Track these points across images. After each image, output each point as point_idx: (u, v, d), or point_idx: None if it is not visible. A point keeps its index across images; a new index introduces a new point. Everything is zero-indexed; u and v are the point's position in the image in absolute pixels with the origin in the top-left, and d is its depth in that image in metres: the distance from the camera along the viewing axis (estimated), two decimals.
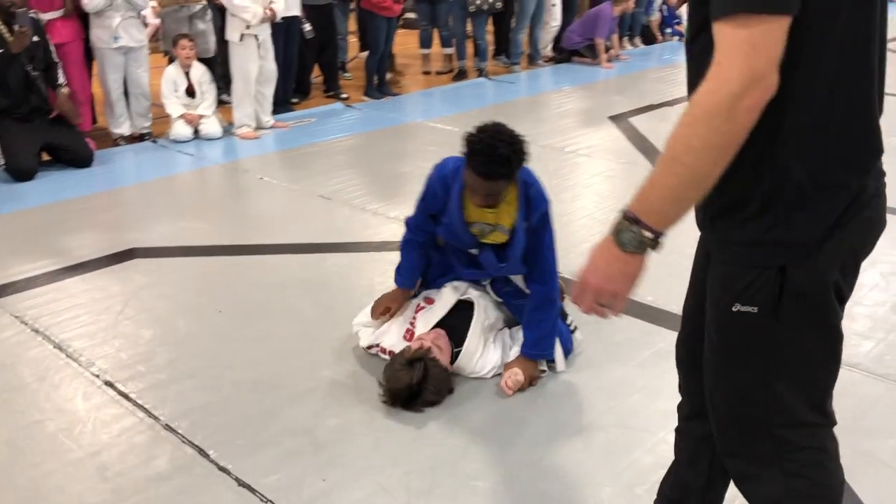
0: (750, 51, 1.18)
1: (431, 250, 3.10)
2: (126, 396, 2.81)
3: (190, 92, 6.07)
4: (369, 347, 3.01)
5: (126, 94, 5.95)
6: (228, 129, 6.23)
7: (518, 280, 3.01)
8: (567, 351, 2.99)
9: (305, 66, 7.39)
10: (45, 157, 5.42)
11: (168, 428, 2.63)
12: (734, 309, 1.39)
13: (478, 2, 8.25)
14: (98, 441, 2.57)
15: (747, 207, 1.34)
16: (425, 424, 2.64)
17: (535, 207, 2.77)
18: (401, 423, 2.65)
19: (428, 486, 2.35)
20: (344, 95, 7.59)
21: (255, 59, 5.97)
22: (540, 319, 2.85)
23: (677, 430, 1.83)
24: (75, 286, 3.68)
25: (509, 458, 2.47)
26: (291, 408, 2.74)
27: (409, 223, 3.03)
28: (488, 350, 2.91)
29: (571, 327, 3.10)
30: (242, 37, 5.84)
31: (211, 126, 6.07)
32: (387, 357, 2.90)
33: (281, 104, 6.71)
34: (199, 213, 4.69)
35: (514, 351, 2.92)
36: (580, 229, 4.29)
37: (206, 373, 2.96)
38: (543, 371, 2.91)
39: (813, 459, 1.48)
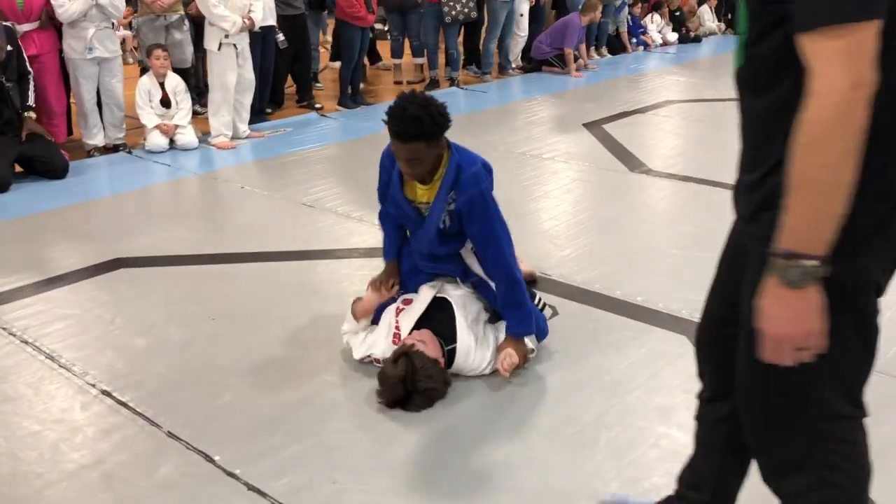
0: (849, 59, 1.19)
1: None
2: (125, 405, 2.78)
3: (164, 102, 6.03)
4: (362, 360, 3.01)
5: (99, 104, 5.89)
6: (203, 139, 6.19)
7: (478, 269, 3.05)
8: (542, 330, 3.07)
9: (279, 76, 7.37)
10: (17, 168, 5.33)
11: (171, 435, 2.61)
12: None
13: (453, 12, 8.32)
14: (100, 450, 2.54)
15: None
16: (428, 425, 2.65)
17: (463, 189, 2.80)
18: (404, 424, 2.66)
19: (438, 484, 2.37)
20: (318, 105, 7.58)
21: (233, 67, 5.96)
22: (512, 300, 2.92)
23: (696, 418, 1.88)
24: (62, 297, 3.63)
25: (514, 455, 2.50)
26: (294, 413, 2.73)
27: (379, 195, 3.13)
28: (481, 344, 2.93)
29: (540, 305, 3.19)
30: (221, 45, 5.82)
31: (187, 136, 6.03)
32: (381, 366, 2.91)
33: (256, 114, 6.68)
34: (182, 222, 4.65)
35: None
36: (566, 232, 4.34)
37: (204, 380, 2.94)
38: (533, 351, 2.97)
39: (847, 451, 1.52)
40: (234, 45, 5.91)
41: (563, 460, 2.48)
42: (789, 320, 1.34)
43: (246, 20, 5.88)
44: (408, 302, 3.06)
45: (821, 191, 1.25)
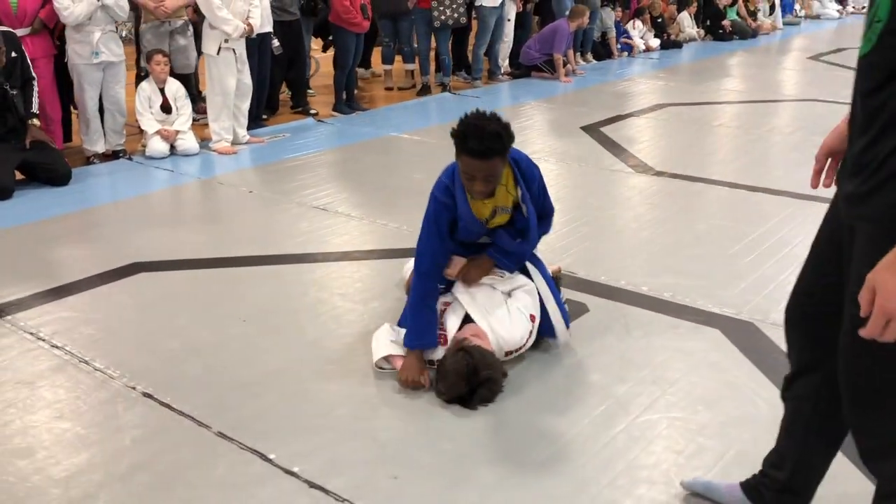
0: None
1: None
2: (168, 406, 2.75)
3: (164, 108, 5.98)
4: (380, 365, 2.97)
5: (100, 110, 5.82)
6: (203, 144, 6.15)
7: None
8: (565, 321, 3.12)
9: (274, 82, 7.35)
10: (19, 175, 5.24)
11: (221, 435, 2.59)
12: None
13: (443, 17, 8.36)
14: (150, 451, 2.50)
15: None
16: (476, 419, 2.66)
17: (531, 177, 2.93)
18: (452, 418, 2.66)
19: (494, 477, 2.37)
20: (313, 111, 7.57)
21: (233, 72, 5.93)
22: (523, 243, 3.02)
23: (781, 397, 1.92)
24: (86, 302, 3.58)
25: (569, 446, 2.51)
26: (343, 409, 2.72)
27: (423, 264, 2.91)
28: (509, 317, 2.95)
29: (563, 299, 3.23)
30: (220, 50, 5.79)
31: (188, 142, 5.99)
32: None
33: (253, 120, 6.65)
34: (195, 226, 4.62)
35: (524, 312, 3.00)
36: (588, 232, 4.38)
37: (244, 380, 2.91)
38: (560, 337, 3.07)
39: None
40: (233, 50, 5.89)
41: (616, 452, 2.50)
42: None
43: (245, 26, 5.86)
44: (447, 304, 3.06)
45: None
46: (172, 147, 5.98)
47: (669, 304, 3.49)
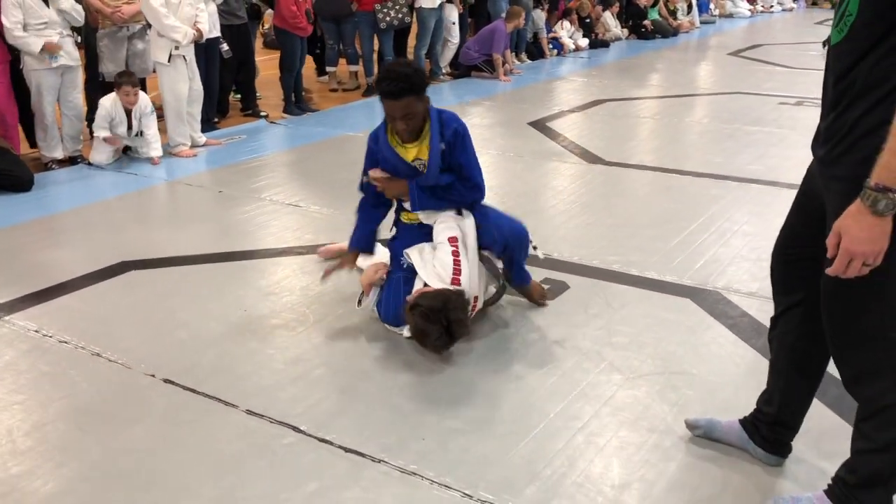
0: None
1: (383, 208, 3.52)
2: (193, 390, 2.88)
3: (130, 128, 5.90)
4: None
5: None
6: (164, 147, 6.18)
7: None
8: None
9: (223, 85, 7.40)
10: None
11: (251, 412, 2.74)
12: None
13: (387, 19, 8.54)
14: (187, 434, 2.64)
15: None
16: (484, 384, 2.88)
17: (447, 125, 3.24)
18: (476, 377, 2.88)
19: (516, 428, 2.60)
20: (263, 113, 7.65)
21: (185, 78, 6.00)
22: (447, 189, 3.30)
23: (769, 338, 2.22)
24: (83, 299, 3.65)
25: (573, 404, 2.76)
26: (362, 384, 2.91)
27: (361, 186, 3.48)
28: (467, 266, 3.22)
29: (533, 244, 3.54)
30: (171, 57, 5.84)
31: (156, 150, 5.97)
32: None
33: (204, 123, 6.69)
34: (177, 226, 4.70)
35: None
36: (552, 219, 4.65)
37: (261, 364, 3.06)
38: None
39: None
40: (184, 57, 5.95)
41: (617, 407, 2.76)
42: (868, 241, 1.65)
43: (194, 31, 5.93)
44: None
45: None
46: (127, 149, 5.97)
47: (640, 279, 3.79)
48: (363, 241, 3.50)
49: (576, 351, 3.13)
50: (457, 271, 3.17)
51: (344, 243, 3.64)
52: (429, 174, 3.29)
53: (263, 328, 3.36)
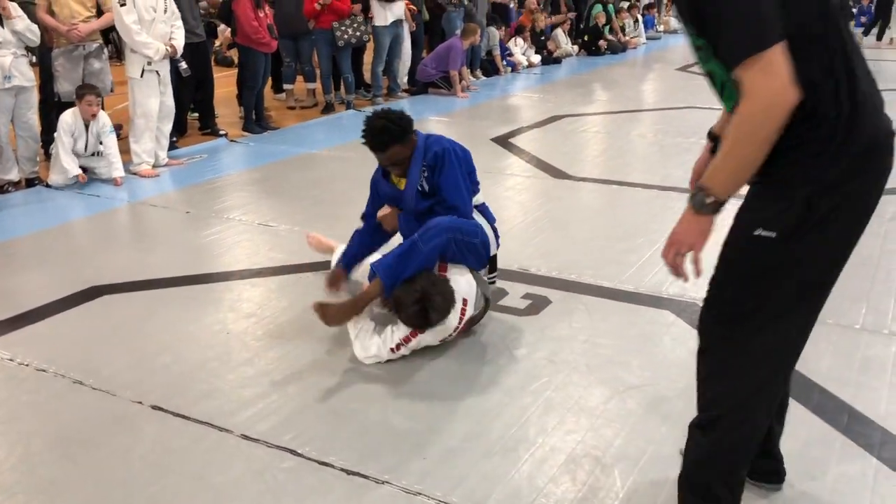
0: (767, 74, 1.64)
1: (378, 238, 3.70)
2: (185, 417, 2.82)
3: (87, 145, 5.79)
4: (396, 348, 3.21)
5: None
6: (126, 166, 6.06)
7: None
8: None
9: (182, 104, 7.29)
10: None
11: (245, 437, 2.69)
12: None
13: (345, 36, 8.53)
14: (182, 463, 2.58)
15: None
16: (482, 397, 2.89)
17: (429, 150, 3.36)
18: (468, 394, 2.88)
19: (514, 444, 2.61)
20: (222, 131, 7.56)
21: (156, 94, 5.92)
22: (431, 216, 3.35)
23: None
24: (56, 326, 3.56)
25: (564, 419, 2.79)
26: (356, 404, 2.89)
27: (363, 215, 3.71)
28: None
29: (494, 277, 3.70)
30: (144, 72, 5.76)
31: (118, 169, 5.86)
32: (406, 351, 3.18)
33: None
34: (147, 248, 4.61)
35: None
36: (522, 233, 4.69)
37: (250, 386, 3.02)
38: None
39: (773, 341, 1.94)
40: (157, 72, 5.87)
41: (619, 415, 2.79)
42: (684, 232, 1.85)
43: (168, 47, 5.86)
44: None
45: (738, 156, 1.73)
46: (85, 170, 5.85)
47: (619, 292, 3.85)
48: (352, 263, 3.66)
49: (565, 365, 3.16)
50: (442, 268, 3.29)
51: (331, 240, 3.96)
52: (405, 203, 3.46)
53: (249, 350, 3.31)
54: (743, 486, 2.13)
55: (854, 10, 18.31)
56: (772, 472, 2.39)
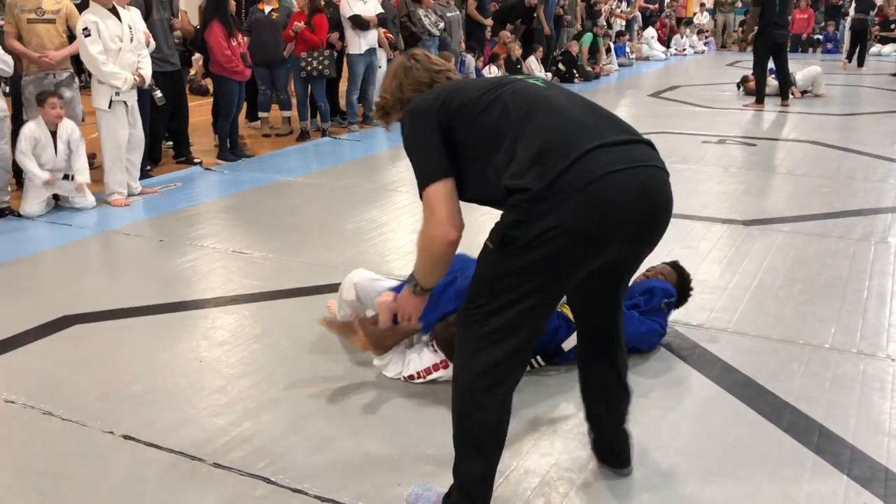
0: (429, 213, 2.11)
1: None
2: (157, 446, 2.79)
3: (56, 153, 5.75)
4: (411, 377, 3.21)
5: None
6: (96, 196, 6.02)
7: None
8: None
9: (157, 133, 7.29)
10: None
11: (218, 465, 2.67)
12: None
13: (308, 68, 8.57)
14: (155, 496, 2.56)
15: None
16: (439, 421, 2.88)
17: None
18: (441, 418, 2.87)
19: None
20: (197, 159, 7.55)
21: (125, 125, 5.90)
22: None
23: None
24: (26, 357, 3.51)
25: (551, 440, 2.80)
26: (330, 431, 2.87)
27: None
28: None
29: None
30: (112, 103, 5.75)
31: (87, 198, 5.85)
32: (422, 379, 3.17)
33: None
34: (119, 277, 4.59)
35: None
36: None
37: (222, 414, 2.99)
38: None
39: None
40: (125, 103, 5.86)
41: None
42: (402, 304, 2.36)
43: (136, 77, 5.86)
44: None
45: (421, 263, 2.22)
46: (56, 198, 5.82)
47: None
48: None
49: (539, 387, 3.17)
50: None
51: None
52: None
53: (222, 378, 3.29)
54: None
55: (820, 37, 18.76)
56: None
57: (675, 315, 3.82)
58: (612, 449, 2.59)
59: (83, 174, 5.80)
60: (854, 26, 15.38)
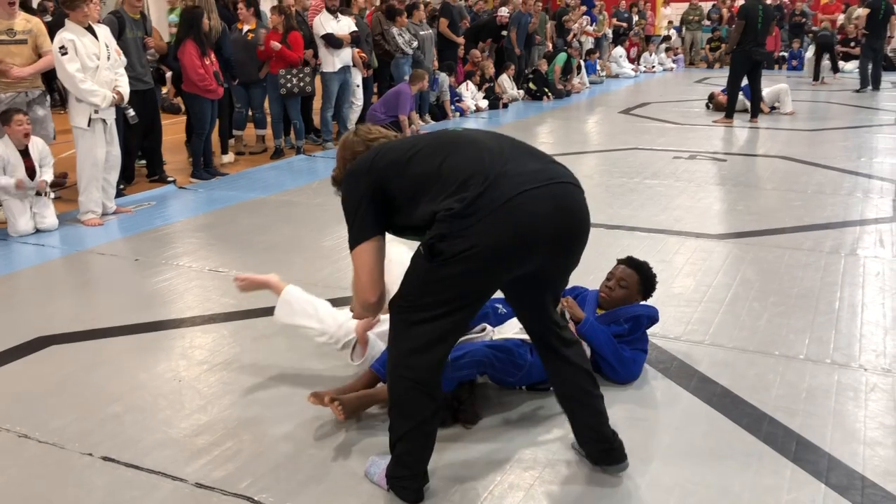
0: (356, 273, 2.40)
1: None
2: (137, 467, 2.76)
3: (29, 172, 5.68)
4: None
5: None
6: (69, 215, 5.97)
7: None
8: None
9: (129, 151, 7.23)
10: None
11: (199, 485, 2.65)
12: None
13: (288, 85, 8.59)
14: None
15: None
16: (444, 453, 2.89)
17: None
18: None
19: (474, 488, 2.62)
20: (171, 178, 7.50)
21: (102, 143, 5.87)
22: None
23: None
24: (0, 379, 3.45)
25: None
26: (314, 449, 2.86)
27: None
28: None
29: None
30: (91, 122, 5.71)
31: (49, 218, 5.79)
32: None
33: None
34: (95, 297, 4.53)
35: None
36: None
37: (203, 433, 2.97)
38: None
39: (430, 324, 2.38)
40: (104, 121, 5.83)
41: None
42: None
43: (114, 94, 5.83)
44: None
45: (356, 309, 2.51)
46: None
47: None
48: None
49: (520, 400, 3.19)
50: None
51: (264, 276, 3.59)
52: None
53: (201, 397, 3.27)
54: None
55: (785, 55, 19.13)
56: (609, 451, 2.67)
57: (653, 328, 3.86)
58: (599, 448, 2.65)
59: (48, 173, 5.77)
60: (821, 41, 15.79)
